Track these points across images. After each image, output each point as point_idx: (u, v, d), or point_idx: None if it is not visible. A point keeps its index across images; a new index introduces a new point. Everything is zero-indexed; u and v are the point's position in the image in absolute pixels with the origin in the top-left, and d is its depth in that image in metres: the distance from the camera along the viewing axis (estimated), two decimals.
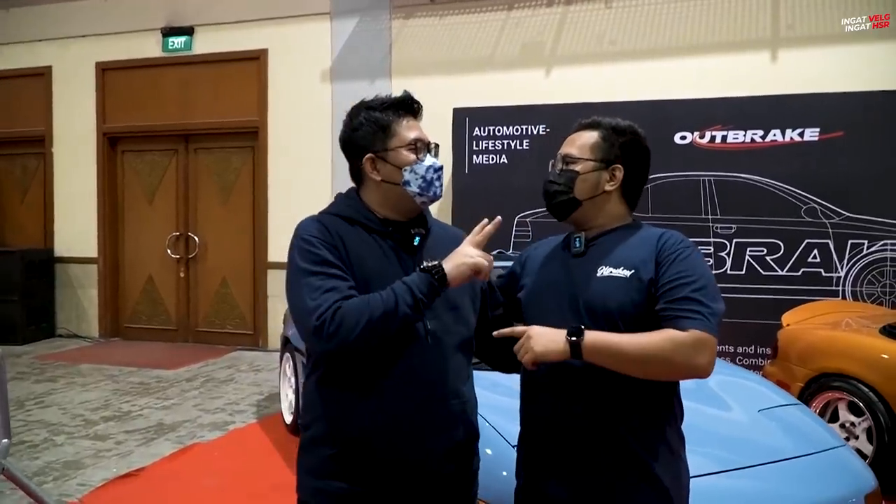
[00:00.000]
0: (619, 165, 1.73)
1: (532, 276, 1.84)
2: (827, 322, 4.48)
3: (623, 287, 1.62)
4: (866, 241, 5.60)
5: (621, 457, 1.61)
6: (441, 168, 1.74)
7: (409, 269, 1.66)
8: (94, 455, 4.37)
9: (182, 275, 8.10)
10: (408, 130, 1.73)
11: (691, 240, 1.69)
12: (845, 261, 5.63)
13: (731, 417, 2.76)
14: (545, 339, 1.55)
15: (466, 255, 1.61)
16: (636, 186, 1.77)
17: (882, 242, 5.57)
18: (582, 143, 1.75)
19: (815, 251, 5.67)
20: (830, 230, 5.64)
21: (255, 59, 7.54)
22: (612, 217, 1.75)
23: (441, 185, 1.74)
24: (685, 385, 1.70)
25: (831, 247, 5.64)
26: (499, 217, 1.66)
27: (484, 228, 1.66)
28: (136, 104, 8.00)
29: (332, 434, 1.66)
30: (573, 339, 1.52)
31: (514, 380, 1.87)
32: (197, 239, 8.02)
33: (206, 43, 7.71)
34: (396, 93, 1.77)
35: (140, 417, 5.18)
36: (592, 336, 1.53)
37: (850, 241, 5.62)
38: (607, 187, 1.73)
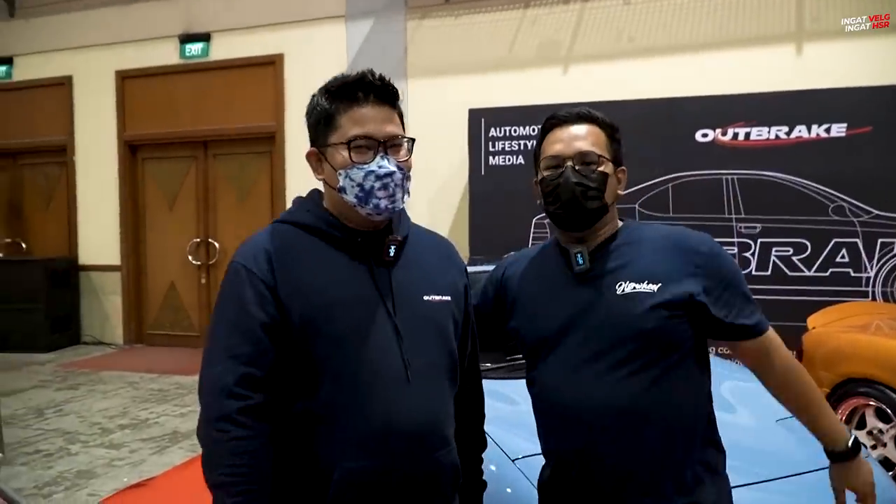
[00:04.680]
0: (624, 167, 1.62)
1: (528, 305, 1.61)
2: (854, 325, 4.31)
3: (654, 303, 1.47)
4: None
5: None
6: (390, 174, 1.37)
7: (384, 290, 1.39)
8: (107, 464, 4.37)
9: (203, 281, 8.11)
10: (352, 123, 1.38)
11: (715, 240, 1.61)
12: (875, 260, 5.43)
13: (746, 427, 2.59)
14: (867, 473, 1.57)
15: None
16: None
17: None
18: (595, 139, 1.55)
19: (844, 251, 5.47)
20: (859, 229, 5.45)
21: (272, 64, 7.53)
22: (613, 223, 1.60)
23: (390, 198, 1.38)
24: None
25: (860, 246, 5.44)
26: None
27: None
28: (155, 111, 8.04)
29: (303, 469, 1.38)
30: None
31: (511, 388, 1.78)
32: (217, 245, 8.04)
33: (222, 49, 7.74)
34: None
35: (156, 425, 5.17)
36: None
37: (879, 240, 5.42)
38: (620, 191, 1.60)
